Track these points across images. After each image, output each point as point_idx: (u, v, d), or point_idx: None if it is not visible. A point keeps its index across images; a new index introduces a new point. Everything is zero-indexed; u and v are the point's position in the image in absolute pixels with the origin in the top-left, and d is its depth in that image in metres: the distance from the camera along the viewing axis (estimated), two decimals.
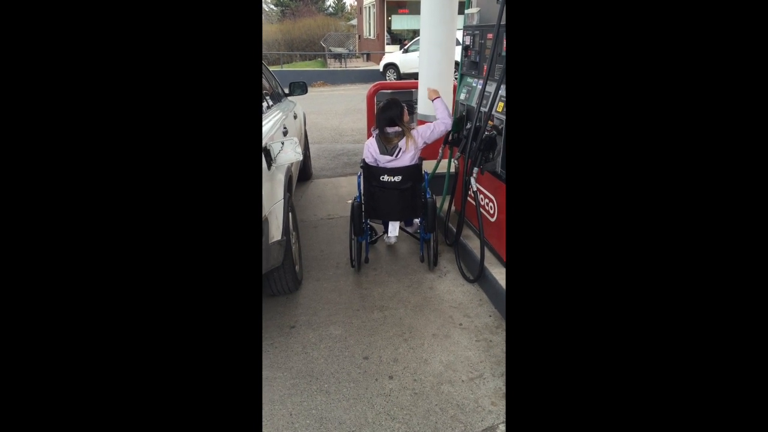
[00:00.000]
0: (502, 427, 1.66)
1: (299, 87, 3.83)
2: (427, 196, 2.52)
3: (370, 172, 2.48)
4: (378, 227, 3.00)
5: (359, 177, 2.56)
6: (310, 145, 4.91)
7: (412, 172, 2.47)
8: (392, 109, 2.48)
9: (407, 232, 2.99)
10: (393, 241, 3.00)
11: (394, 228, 2.69)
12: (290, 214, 2.36)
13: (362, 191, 2.54)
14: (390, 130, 2.48)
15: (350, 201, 2.66)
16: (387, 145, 2.46)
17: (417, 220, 2.83)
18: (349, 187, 4.18)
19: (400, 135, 2.47)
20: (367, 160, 2.49)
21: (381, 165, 2.47)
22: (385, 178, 2.44)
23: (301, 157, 2.23)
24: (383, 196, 2.50)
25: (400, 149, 2.45)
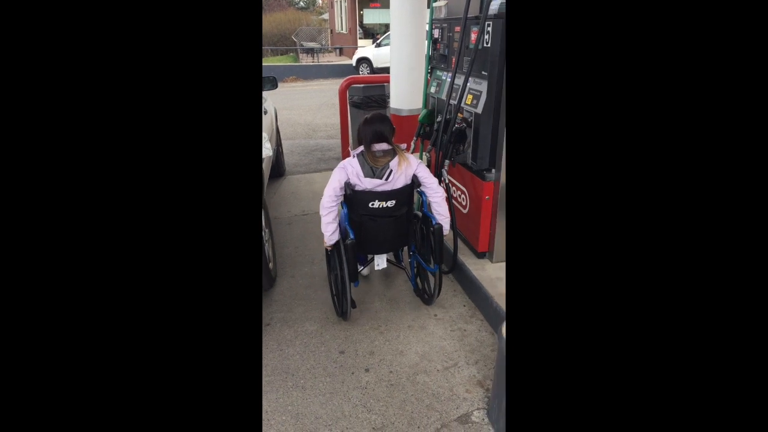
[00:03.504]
0: (477, 414, 1.70)
1: (269, 82, 3.77)
2: (433, 222, 2.03)
3: (356, 198, 1.98)
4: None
5: (344, 206, 2.06)
6: (282, 142, 4.85)
7: (408, 194, 2.05)
8: (382, 122, 1.99)
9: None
10: (366, 273, 2.56)
11: (382, 260, 2.22)
12: (262, 211, 2.33)
13: (349, 224, 2.05)
14: (378, 147, 1.96)
15: (329, 246, 2.05)
16: (374, 166, 1.97)
17: None
18: (324, 182, 4.14)
19: (390, 154, 1.99)
20: (352, 181, 1.98)
21: (368, 189, 1.99)
22: (376, 204, 1.97)
23: (270, 153, 2.20)
24: (374, 226, 2.02)
25: (391, 171, 1.97)
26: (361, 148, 2.00)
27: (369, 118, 2.02)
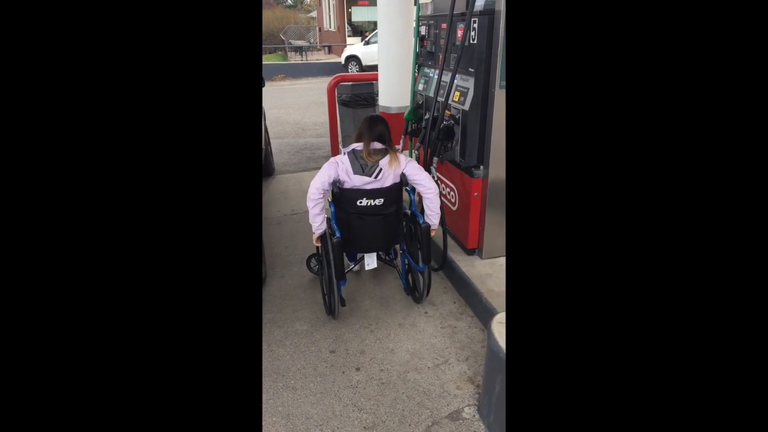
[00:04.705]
0: (467, 410, 1.70)
1: None
2: (420, 221, 2.06)
3: (344, 196, 2.01)
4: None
5: (332, 206, 2.10)
6: (271, 140, 4.82)
7: (397, 192, 2.06)
8: (386, 126, 2.05)
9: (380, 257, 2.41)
10: (357, 269, 2.55)
11: (372, 259, 2.22)
12: None
13: (336, 223, 2.07)
14: (375, 146, 2.02)
15: (316, 237, 2.08)
16: (366, 163, 1.98)
17: None
18: None
19: (381, 152, 2.01)
20: (341, 178, 2.01)
21: (357, 187, 2.02)
22: (364, 202, 1.98)
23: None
24: (362, 225, 2.03)
25: (381, 170, 1.99)
26: (353, 146, 2.02)
27: (374, 117, 2.06)
